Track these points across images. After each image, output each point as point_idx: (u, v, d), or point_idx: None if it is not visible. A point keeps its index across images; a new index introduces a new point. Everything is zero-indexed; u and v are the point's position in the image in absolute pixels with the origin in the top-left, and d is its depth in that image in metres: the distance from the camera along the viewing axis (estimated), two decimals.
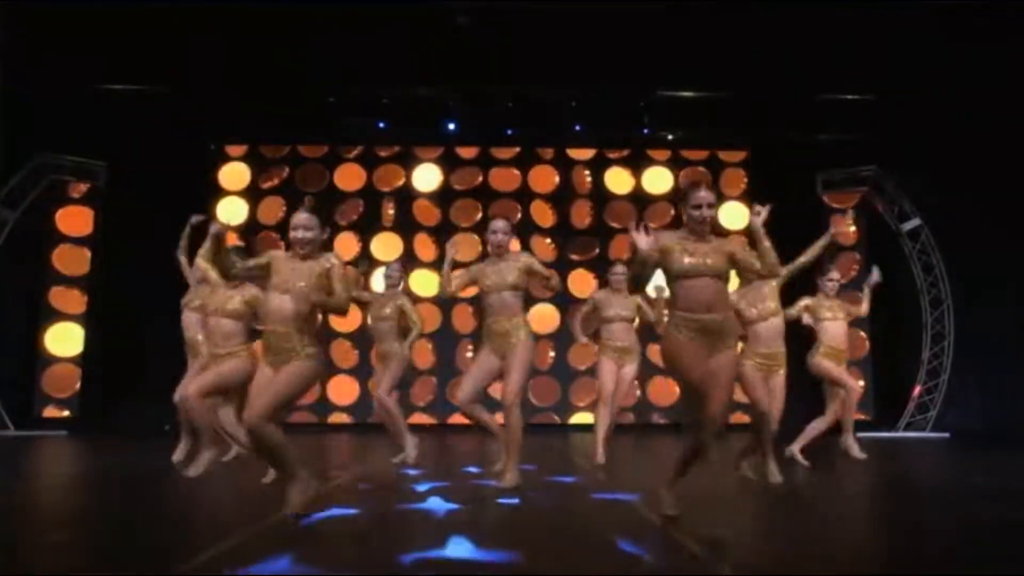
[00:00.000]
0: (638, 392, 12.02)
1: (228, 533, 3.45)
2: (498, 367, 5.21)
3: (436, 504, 4.44)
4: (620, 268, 7.02)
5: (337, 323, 11.89)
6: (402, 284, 7.30)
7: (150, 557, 3.12)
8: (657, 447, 8.61)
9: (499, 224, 5.30)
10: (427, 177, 12.97)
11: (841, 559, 3.22)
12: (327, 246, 4.60)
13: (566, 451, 8.48)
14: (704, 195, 3.91)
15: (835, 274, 7.09)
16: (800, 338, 6.81)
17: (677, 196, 13.17)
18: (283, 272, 4.04)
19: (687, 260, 3.82)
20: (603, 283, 12.61)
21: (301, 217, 4.08)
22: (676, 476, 3.92)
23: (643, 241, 3.79)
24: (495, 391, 5.64)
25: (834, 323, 6.85)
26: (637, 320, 7.06)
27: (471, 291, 5.53)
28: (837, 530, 3.91)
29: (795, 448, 6.63)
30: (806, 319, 6.95)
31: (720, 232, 4.20)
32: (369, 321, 7.10)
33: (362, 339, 12.23)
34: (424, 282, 12.37)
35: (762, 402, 5.54)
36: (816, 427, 6.88)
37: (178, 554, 3.07)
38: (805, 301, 6.86)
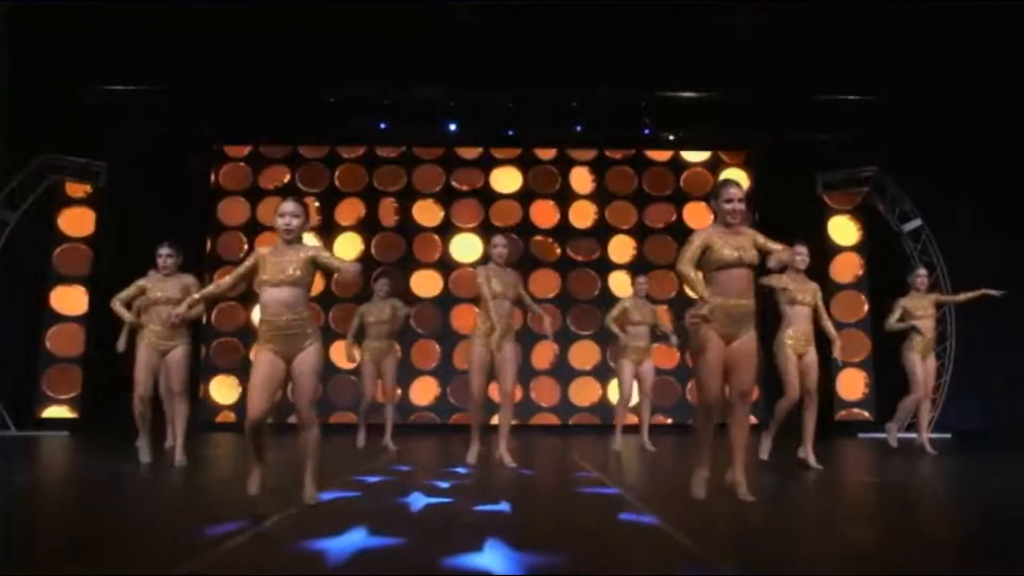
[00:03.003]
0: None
1: (230, 533, 3.44)
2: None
3: (435, 503, 4.44)
4: (643, 279, 8.24)
5: (341, 324, 11.86)
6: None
7: (150, 557, 3.11)
8: (658, 446, 8.58)
9: (500, 239, 6.36)
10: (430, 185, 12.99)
11: (841, 559, 3.22)
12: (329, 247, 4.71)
13: (566, 451, 8.48)
14: (735, 191, 4.40)
15: (922, 270, 7.96)
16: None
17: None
18: (271, 266, 4.19)
19: (727, 252, 4.28)
20: (604, 283, 12.73)
21: (288, 206, 4.30)
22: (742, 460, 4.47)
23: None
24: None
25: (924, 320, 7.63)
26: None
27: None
28: (837, 530, 3.91)
29: (924, 438, 7.40)
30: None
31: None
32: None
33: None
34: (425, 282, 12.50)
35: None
36: (907, 408, 7.65)
37: (178, 554, 3.07)
38: (902, 301, 7.70)
